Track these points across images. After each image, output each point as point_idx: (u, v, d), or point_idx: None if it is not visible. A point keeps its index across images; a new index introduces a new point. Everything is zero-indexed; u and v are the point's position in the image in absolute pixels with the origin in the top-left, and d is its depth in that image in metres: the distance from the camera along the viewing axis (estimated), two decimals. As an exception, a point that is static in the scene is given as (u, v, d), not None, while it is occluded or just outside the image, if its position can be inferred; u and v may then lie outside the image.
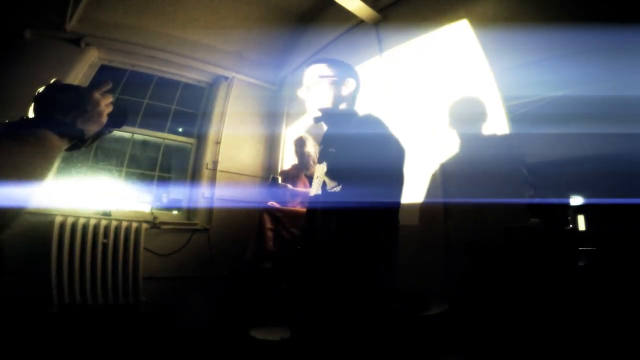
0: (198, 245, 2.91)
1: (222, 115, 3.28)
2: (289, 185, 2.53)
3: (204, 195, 3.05)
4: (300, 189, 2.56)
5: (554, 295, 1.23)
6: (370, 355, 0.99)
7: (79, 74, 2.71)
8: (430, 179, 1.99)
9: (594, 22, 1.32)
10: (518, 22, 1.64)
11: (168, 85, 3.26)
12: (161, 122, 3.17)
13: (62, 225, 2.26)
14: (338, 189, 1.00)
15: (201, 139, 3.22)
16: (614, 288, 1.11)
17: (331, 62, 1.18)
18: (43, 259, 2.18)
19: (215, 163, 3.14)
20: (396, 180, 1.03)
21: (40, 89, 0.55)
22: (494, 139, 1.73)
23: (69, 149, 0.55)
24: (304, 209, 2.40)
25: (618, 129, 1.22)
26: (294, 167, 2.74)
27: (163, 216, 2.91)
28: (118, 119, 0.64)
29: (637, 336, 1.01)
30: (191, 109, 3.36)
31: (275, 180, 2.48)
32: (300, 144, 2.71)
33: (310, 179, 2.58)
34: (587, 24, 1.33)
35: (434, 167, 1.99)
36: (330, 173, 1.05)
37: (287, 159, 3.24)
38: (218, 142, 3.19)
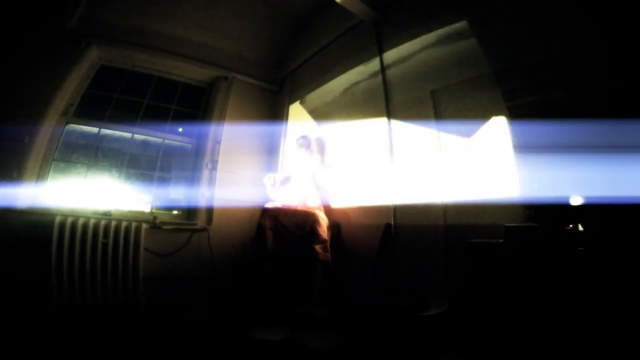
0: (198, 245, 2.91)
1: (222, 115, 3.28)
2: (289, 183, 2.53)
3: (204, 195, 3.05)
4: (300, 187, 2.56)
5: (554, 295, 1.23)
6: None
7: (79, 74, 2.72)
8: (430, 180, 1.99)
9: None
10: (518, 23, 1.65)
11: (168, 85, 3.26)
12: (161, 122, 3.17)
13: (62, 225, 2.26)
14: None
15: (201, 139, 3.22)
16: (614, 288, 1.11)
17: None
18: (43, 258, 2.18)
19: (215, 163, 3.14)
20: None
21: None
22: (493, 138, 1.73)
23: None
24: (304, 209, 2.40)
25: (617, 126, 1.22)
26: (296, 165, 2.74)
27: (163, 216, 2.91)
28: None
29: (638, 336, 1.01)
30: (191, 109, 3.36)
31: (275, 177, 2.49)
32: (303, 142, 2.71)
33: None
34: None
35: (434, 167, 1.99)
36: None
37: (288, 159, 3.24)
38: (218, 142, 3.19)
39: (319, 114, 3.09)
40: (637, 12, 1.23)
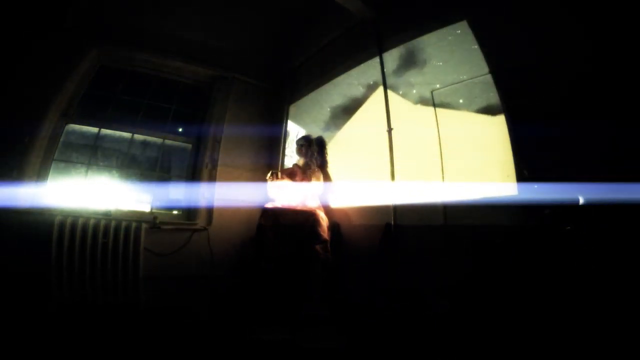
0: (198, 245, 2.90)
1: (222, 115, 3.28)
2: (289, 183, 2.53)
3: (204, 195, 3.04)
4: (300, 187, 2.55)
5: (554, 294, 1.23)
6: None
7: (79, 74, 2.71)
8: (430, 180, 1.99)
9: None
10: (518, 23, 1.65)
11: (168, 85, 3.26)
12: (161, 122, 3.17)
13: (62, 225, 2.26)
14: None
15: (201, 139, 3.22)
16: (614, 288, 1.11)
17: None
18: (43, 258, 2.18)
19: (215, 163, 3.14)
20: None
21: None
22: (493, 138, 1.73)
23: None
24: (304, 209, 2.40)
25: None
26: (295, 165, 2.74)
27: (163, 216, 2.90)
28: None
29: (637, 336, 1.01)
30: (191, 109, 3.36)
31: (275, 175, 2.49)
32: (303, 142, 2.71)
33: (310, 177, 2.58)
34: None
35: (434, 167, 1.99)
36: None
37: (288, 158, 3.25)
38: (218, 142, 3.18)
39: (320, 113, 3.09)
40: (633, 13, 1.23)
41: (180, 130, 3.29)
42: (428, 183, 2.00)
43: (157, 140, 3.11)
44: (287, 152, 3.28)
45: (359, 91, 2.71)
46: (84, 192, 2.67)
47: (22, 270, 2.16)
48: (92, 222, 2.37)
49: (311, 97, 3.22)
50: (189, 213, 3.02)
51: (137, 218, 2.66)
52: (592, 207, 1.24)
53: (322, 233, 2.23)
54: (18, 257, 2.17)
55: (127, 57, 2.97)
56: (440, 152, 1.98)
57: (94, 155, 2.82)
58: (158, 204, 2.99)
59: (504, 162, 1.63)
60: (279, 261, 2.28)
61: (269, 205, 2.49)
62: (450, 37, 2.02)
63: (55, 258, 2.19)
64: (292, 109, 3.43)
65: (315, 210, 2.37)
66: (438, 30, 2.09)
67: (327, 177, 2.61)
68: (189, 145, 3.23)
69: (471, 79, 1.89)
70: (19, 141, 2.38)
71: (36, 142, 2.45)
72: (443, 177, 1.94)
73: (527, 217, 1.45)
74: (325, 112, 3.00)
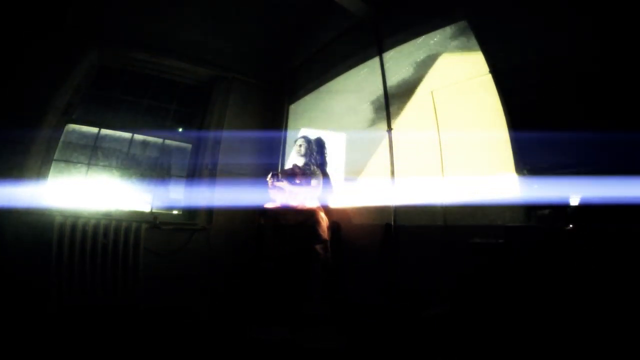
0: (198, 245, 2.91)
1: (222, 115, 3.28)
2: (289, 183, 2.53)
3: (204, 195, 3.05)
4: (300, 187, 2.55)
5: (554, 295, 1.23)
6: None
7: (79, 74, 2.71)
8: (430, 180, 1.99)
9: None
10: (518, 22, 1.65)
11: (168, 86, 3.26)
12: (161, 122, 3.17)
13: (62, 226, 2.26)
14: None
15: (201, 139, 3.22)
16: (614, 288, 1.11)
17: None
18: (43, 259, 2.18)
19: (215, 162, 3.14)
20: None
21: None
22: (493, 139, 1.73)
23: None
24: (304, 209, 2.40)
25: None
26: (295, 165, 2.74)
27: (163, 216, 2.90)
28: None
29: (637, 336, 1.01)
30: (191, 109, 3.36)
31: (275, 176, 2.48)
32: (303, 142, 2.70)
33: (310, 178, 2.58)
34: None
35: (434, 167, 1.99)
36: None
37: (288, 159, 3.25)
38: (218, 142, 3.19)
39: (320, 113, 3.09)
40: (633, 13, 1.23)
41: (180, 130, 3.29)
42: (428, 183, 2.00)
43: (157, 140, 3.11)
44: (287, 151, 3.28)
45: (359, 91, 2.71)
46: (84, 192, 2.68)
47: (22, 271, 2.16)
48: (92, 222, 2.37)
49: (311, 97, 3.22)
50: (189, 213, 3.02)
51: (137, 218, 2.66)
52: (592, 207, 1.24)
53: (322, 233, 2.23)
54: (18, 258, 2.17)
55: (127, 57, 2.97)
56: (440, 152, 1.98)
57: (94, 155, 2.82)
58: (158, 204, 2.99)
59: (504, 162, 1.63)
60: (279, 261, 2.28)
61: (269, 205, 2.49)
62: (450, 37, 2.02)
63: (55, 258, 2.19)
64: (292, 108, 3.43)
65: (315, 210, 2.36)
66: (438, 30, 2.09)
67: (327, 177, 2.61)
68: (189, 145, 3.24)
69: (471, 79, 1.88)
70: (19, 141, 2.38)
71: (36, 142, 2.45)
72: (443, 177, 1.94)
73: (527, 217, 1.45)
74: (325, 112, 3.01)
